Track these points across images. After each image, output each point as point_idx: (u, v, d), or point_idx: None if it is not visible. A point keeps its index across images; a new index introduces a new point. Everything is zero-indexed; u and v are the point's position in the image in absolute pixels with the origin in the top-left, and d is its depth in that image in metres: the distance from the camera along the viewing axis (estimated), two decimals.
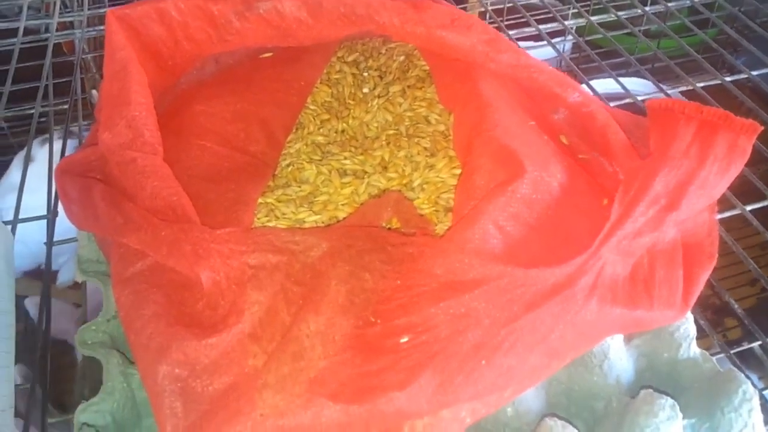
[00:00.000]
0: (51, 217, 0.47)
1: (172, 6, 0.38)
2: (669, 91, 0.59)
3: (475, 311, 0.29)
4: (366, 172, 0.39)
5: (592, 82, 0.61)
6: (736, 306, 0.42)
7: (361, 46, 0.47)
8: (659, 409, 0.33)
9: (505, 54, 0.37)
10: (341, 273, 0.31)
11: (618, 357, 0.37)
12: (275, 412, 0.28)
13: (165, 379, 0.28)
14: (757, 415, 0.34)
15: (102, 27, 0.65)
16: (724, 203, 0.46)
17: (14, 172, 0.66)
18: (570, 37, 0.71)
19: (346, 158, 0.40)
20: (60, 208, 0.44)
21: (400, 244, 0.32)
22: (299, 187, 0.38)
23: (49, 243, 0.45)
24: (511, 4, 0.76)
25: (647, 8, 0.72)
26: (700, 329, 0.39)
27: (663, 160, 0.32)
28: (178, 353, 0.28)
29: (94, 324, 0.38)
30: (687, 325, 0.38)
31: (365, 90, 0.44)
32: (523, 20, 0.71)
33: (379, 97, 0.43)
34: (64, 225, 0.40)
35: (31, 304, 0.65)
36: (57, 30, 0.68)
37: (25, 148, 0.54)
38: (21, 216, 0.47)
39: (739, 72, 0.60)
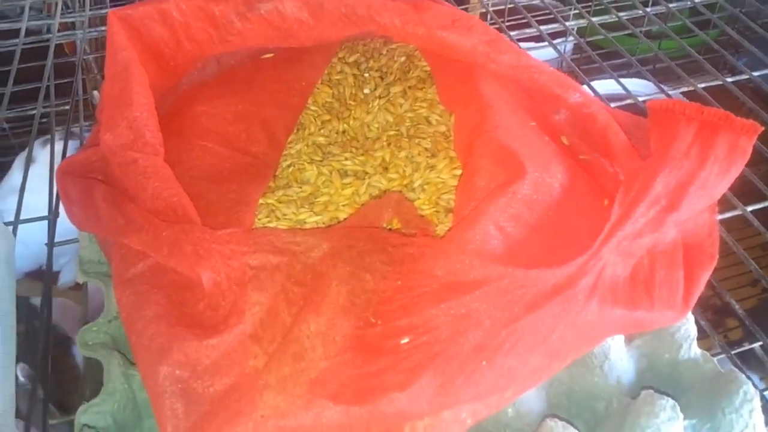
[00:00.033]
0: (52, 218, 0.47)
1: (173, 6, 0.38)
2: (670, 92, 0.59)
3: (476, 312, 0.29)
4: (367, 173, 0.39)
5: (594, 83, 0.61)
6: (737, 306, 0.42)
7: (362, 47, 0.47)
8: (660, 410, 0.33)
9: (505, 55, 0.37)
10: (342, 274, 0.31)
11: (619, 358, 0.37)
12: (276, 413, 0.28)
13: (166, 380, 0.28)
14: (758, 416, 0.34)
15: (103, 28, 0.65)
16: (724, 204, 0.46)
17: (15, 174, 0.66)
18: (571, 38, 0.71)
19: (347, 159, 0.40)
20: (61, 208, 0.44)
21: (401, 245, 0.32)
22: (300, 187, 0.39)
23: (51, 244, 0.46)
24: (512, 5, 0.76)
25: (648, 9, 0.72)
26: (701, 330, 0.39)
27: (664, 160, 0.32)
28: (179, 354, 0.28)
29: (95, 325, 0.38)
30: (688, 326, 0.38)
31: (366, 91, 0.44)
32: (524, 21, 0.71)
33: (380, 97, 0.43)
34: (65, 226, 0.40)
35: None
36: (59, 31, 0.68)
37: (27, 149, 0.54)
38: (22, 217, 0.47)
39: (740, 73, 0.60)
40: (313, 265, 0.31)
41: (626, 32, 0.70)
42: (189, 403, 0.28)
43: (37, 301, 0.65)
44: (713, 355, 0.38)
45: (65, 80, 0.65)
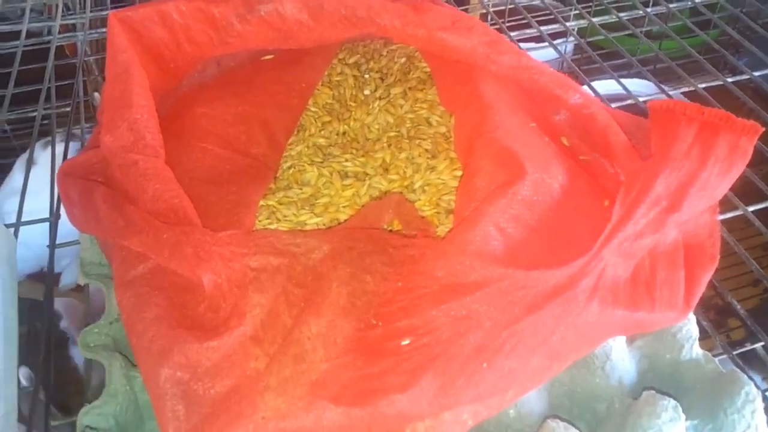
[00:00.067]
0: (53, 219, 0.47)
1: (173, 8, 0.38)
2: (671, 92, 0.59)
3: (477, 313, 0.29)
4: (367, 174, 0.39)
5: (594, 84, 0.61)
6: (738, 307, 0.42)
7: (362, 48, 0.47)
8: (662, 411, 0.33)
9: (505, 56, 0.37)
10: (342, 275, 0.31)
11: (620, 358, 0.37)
12: (277, 415, 0.28)
13: (167, 382, 0.28)
14: (760, 417, 0.34)
15: (104, 29, 0.65)
16: (725, 204, 0.46)
17: (17, 176, 0.66)
18: (571, 38, 0.71)
19: (347, 160, 0.40)
20: (62, 210, 0.44)
21: (402, 246, 0.32)
22: (300, 189, 0.39)
23: (52, 245, 0.46)
24: (512, 6, 0.76)
25: (649, 9, 0.72)
26: (702, 330, 0.39)
27: (664, 161, 0.32)
28: (179, 356, 0.28)
29: (96, 327, 0.38)
30: (689, 327, 0.38)
31: (366, 92, 0.44)
32: (524, 22, 0.71)
33: (380, 99, 0.43)
34: (67, 227, 0.40)
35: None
36: (59, 32, 0.68)
37: (28, 151, 0.54)
38: (24, 219, 0.47)
39: (741, 73, 0.60)
40: (314, 266, 0.31)
41: (627, 32, 0.70)
42: (190, 405, 0.28)
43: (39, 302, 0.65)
44: (715, 356, 0.38)
45: (66, 82, 0.65)
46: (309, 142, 0.42)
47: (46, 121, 0.58)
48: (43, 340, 0.40)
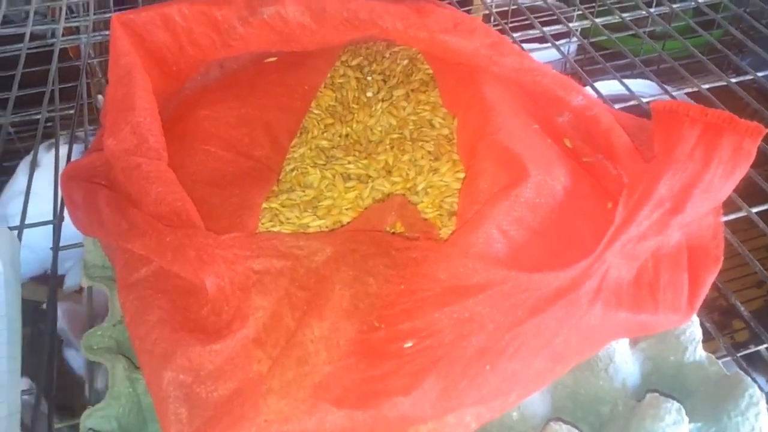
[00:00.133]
0: (57, 222, 0.47)
1: (176, 11, 0.39)
2: (674, 93, 0.59)
3: (479, 316, 0.29)
4: (370, 177, 0.39)
5: (597, 84, 0.60)
6: (742, 308, 0.42)
7: (364, 50, 0.47)
8: (665, 413, 0.32)
9: (508, 57, 0.37)
10: (345, 278, 0.31)
11: (624, 360, 0.37)
12: (280, 418, 0.28)
13: (170, 385, 0.28)
14: (764, 419, 0.33)
15: (107, 32, 0.65)
16: (729, 205, 0.46)
17: (20, 178, 0.66)
18: (574, 39, 0.71)
19: (350, 162, 0.40)
20: (66, 213, 0.44)
21: (404, 249, 0.32)
22: (303, 191, 0.39)
23: (56, 248, 0.46)
24: (515, 7, 0.76)
25: (652, 10, 0.72)
26: (706, 332, 0.39)
27: (667, 162, 0.32)
28: (182, 359, 0.28)
29: (99, 329, 0.38)
30: (693, 329, 0.38)
31: (369, 94, 0.44)
32: (527, 22, 0.71)
33: (382, 101, 0.43)
34: (71, 230, 0.40)
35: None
36: (63, 35, 0.68)
37: (31, 154, 0.55)
38: (27, 222, 0.47)
39: (745, 73, 0.60)
40: (317, 269, 0.31)
41: (630, 33, 0.70)
42: (193, 407, 0.28)
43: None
44: (719, 358, 0.38)
45: (70, 84, 0.65)
46: (312, 145, 0.42)
47: (49, 124, 0.58)
48: (47, 342, 0.40)
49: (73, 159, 0.54)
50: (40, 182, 0.52)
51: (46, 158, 0.59)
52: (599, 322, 0.31)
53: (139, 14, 0.38)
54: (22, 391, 0.37)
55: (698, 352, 0.37)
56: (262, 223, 0.37)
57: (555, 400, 0.37)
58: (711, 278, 0.35)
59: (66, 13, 0.72)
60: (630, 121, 0.40)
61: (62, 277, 0.65)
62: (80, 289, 0.60)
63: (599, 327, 0.31)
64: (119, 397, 0.35)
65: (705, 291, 0.35)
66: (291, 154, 0.41)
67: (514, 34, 0.68)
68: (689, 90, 0.60)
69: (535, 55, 0.40)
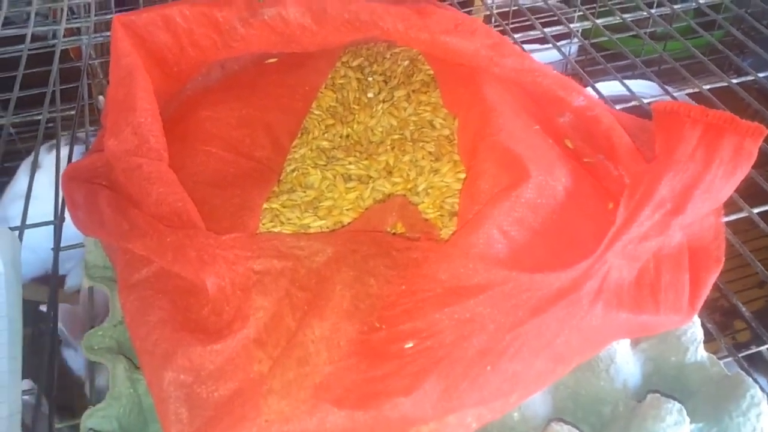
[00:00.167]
0: (58, 222, 0.47)
1: (177, 13, 0.39)
2: (675, 94, 0.59)
3: (480, 316, 0.29)
4: (371, 177, 0.39)
5: (598, 85, 0.60)
6: (743, 309, 0.42)
7: (365, 51, 0.47)
8: (666, 414, 0.32)
9: (509, 58, 0.37)
10: (346, 278, 0.31)
11: (625, 361, 0.37)
12: (280, 418, 0.28)
13: (170, 385, 0.28)
14: (766, 420, 0.33)
15: (109, 33, 0.65)
16: (730, 206, 0.46)
17: (21, 179, 0.66)
18: (575, 39, 0.71)
19: (350, 163, 0.40)
20: (67, 213, 0.44)
21: (405, 249, 0.32)
22: (304, 192, 0.39)
23: (57, 248, 0.46)
24: (516, 8, 0.76)
25: (653, 10, 0.72)
26: (707, 333, 0.39)
27: (668, 163, 0.32)
28: (183, 359, 0.28)
29: (100, 329, 0.38)
30: (694, 329, 0.38)
31: (370, 95, 0.44)
32: (528, 23, 0.71)
33: (383, 101, 0.43)
34: (72, 230, 0.40)
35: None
36: (64, 36, 0.68)
37: (32, 155, 0.55)
38: (28, 223, 0.47)
39: (746, 74, 0.60)
40: (318, 269, 0.31)
41: (631, 34, 0.70)
42: (193, 408, 0.28)
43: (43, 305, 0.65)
44: (720, 358, 0.38)
45: (71, 85, 0.65)
46: (312, 145, 0.42)
47: (51, 125, 0.58)
48: (48, 342, 0.40)
49: (74, 160, 0.54)
50: (40, 184, 0.52)
51: (47, 159, 0.60)
52: (600, 323, 0.31)
53: (140, 15, 0.39)
54: (23, 391, 0.37)
55: (699, 353, 0.37)
56: (263, 224, 0.37)
57: (556, 401, 0.36)
58: (712, 279, 0.35)
59: (67, 15, 0.72)
60: (631, 122, 0.40)
61: (63, 277, 0.65)
62: (78, 291, 0.59)
63: (600, 328, 0.31)
64: (120, 398, 0.35)
65: (706, 291, 0.35)
66: (292, 154, 0.41)
67: (515, 35, 0.68)
68: (690, 91, 0.60)
69: (536, 56, 0.40)
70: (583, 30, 0.71)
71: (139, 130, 0.34)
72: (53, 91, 0.60)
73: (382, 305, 0.30)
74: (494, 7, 0.76)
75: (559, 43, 0.65)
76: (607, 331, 0.32)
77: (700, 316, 0.38)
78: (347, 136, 0.42)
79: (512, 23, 0.76)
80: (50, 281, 0.44)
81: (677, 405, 0.33)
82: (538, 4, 0.79)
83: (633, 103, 0.57)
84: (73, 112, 0.59)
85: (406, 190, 0.38)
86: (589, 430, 0.35)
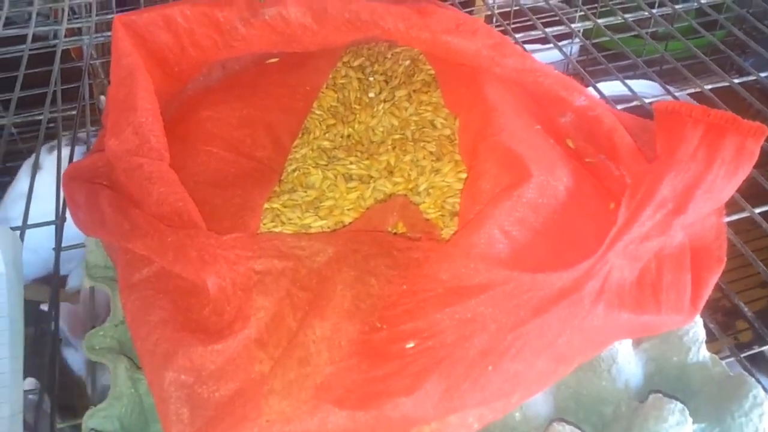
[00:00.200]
0: (59, 222, 0.47)
1: (178, 13, 0.39)
2: (677, 93, 0.59)
3: (482, 316, 0.29)
4: (372, 177, 0.39)
5: (599, 85, 0.60)
6: (745, 309, 0.42)
7: (366, 51, 0.47)
8: (668, 414, 0.32)
9: (510, 58, 0.37)
10: (347, 278, 0.31)
11: (627, 361, 0.37)
12: (281, 418, 0.28)
13: (171, 386, 0.28)
14: None
15: (110, 33, 0.65)
16: (732, 206, 0.45)
17: (23, 180, 0.66)
18: (577, 39, 0.71)
19: (352, 163, 0.40)
20: (68, 213, 0.44)
21: (406, 249, 0.32)
22: (305, 192, 0.39)
23: (58, 248, 0.46)
24: (517, 8, 0.76)
25: (654, 10, 0.72)
26: (709, 333, 0.39)
27: (670, 163, 0.32)
28: (184, 359, 0.28)
29: (102, 329, 0.38)
30: (696, 329, 0.38)
31: (371, 94, 0.44)
32: (529, 23, 0.71)
33: (384, 101, 0.43)
34: (73, 231, 0.40)
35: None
36: (65, 36, 0.69)
37: (33, 156, 0.55)
38: (29, 223, 0.47)
39: (748, 74, 0.60)
40: (318, 269, 0.31)
41: (632, 34, 0.70)
42: (194, 408, 0.28)
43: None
44: (722, 358, 0.38)
45: (72, 85, 0.65)
46: (313, 145, 0.42)
47: (52, 125, 0.58)
48: (49, 342, 0.40)
49: (75, 160, 0.54)
50: (42, 184, 0.52)
51: (47, 160, 0.60)
52: (602, 323, 0.31)
53: (141, 15, 0.38)
54: (25, 391, 0.37)
55: (701, 353, 0.37)
56: (264, 224, 0.37)
57: (558, 401, 0.36)
58: (714, 279, 0.35)
59: (68, 15, 0.72)
60: (632, 122, 0.40)
61: (65, 277, 0.65)
62: (79, 291, 0.60)
63: (602, 328, 0.31)
64: (121, 398, 0.35)
65: (708, 292, 0.35)
66: (293, 154, 0.41)
67: (517, 35, 0.68)
68: (692, 91, 0.60)
69: (537, 56, 0.40)
70: (584, 30, 0.71)
71: (140, 130, 0.34)
72: (54, 91, 0.60)
73: (383, 305, 0.30)
74: (495, 7, 0.75)
75: (560, 43, 0.65)
76: (608, 331, 0.32)
77: (702, 316, 0.38)
78: (348, 136, 0.42)
79: (513, 23, 0.76)
80: (51, 281, 0.44)
81: (679, 405, 0.33)
82: (539, 4, 0.79)
83: (634, 103, 0.56)
84: (74, 112, 0.59)
85: (408, 189, 0.38)
86: (591, 430, 0.35)
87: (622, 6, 0.75)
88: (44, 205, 0.49)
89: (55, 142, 0.58)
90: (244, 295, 0.30)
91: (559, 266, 0.30)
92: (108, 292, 0.40)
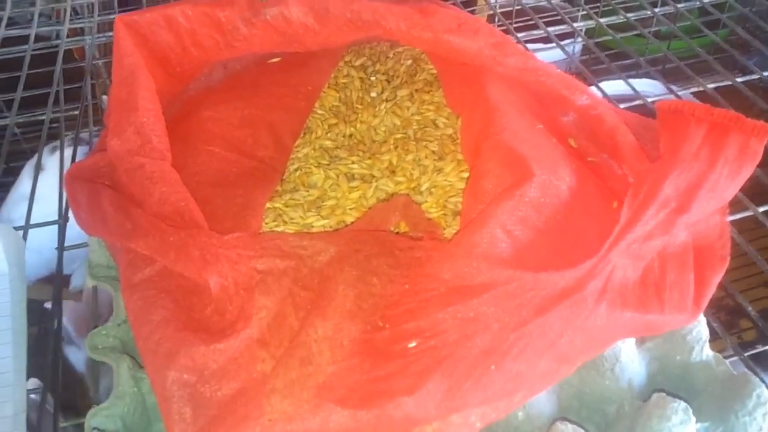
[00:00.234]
0: (62, 222, 0.47)
1: (179, 12, 0.39)
2: (679, 93, 0.59)
3: (484, 316, 0.29)
4: (374, 176, 0.39)
5: (602, 84, 0.60)
6: (749, 308, 0.42)
7: (368, 51, 0.47)
8: (672, 413, 0.32)
9: (512, 57, 0.37)
10: (349, 278, 0.31)
11: (630, 360, 0.37)
12: (283, 418, 0.28)
13: (173, 385, 0.28)
14: None
15: (112, 33, 0.65)
16: (735, 205, 0.45)
17: (25, 182, 0.66)
18: (579, 39, 0.71)
19: (354, 162, 0.40)
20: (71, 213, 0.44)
21: (408, 249, 0.32)
22: (307, 191, 0.39)
23: (61, 248, 0.46)
24: (519, 7, 0.76)
25: (657, 10, 0.72)
26: (713, 331, 0.39)
27: (673, 162, 0.32)
28: (186, 359, 0.28)
29: (104, 329, 0.38)
30: (700, 328, 0.37)
31: (373, 94, 0.44)
32: (532, 23, 0.71)
33: (386, 101, 0.43)
34: (76, 230, 0.40)
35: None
36: (68, 36, 0.69)
37: (35, 156, 0.55)
38: (32, 223, 0.47)
39: (751, 73, 0.60)
40: (320, 269, 0.31)
41: (635, 33, 0.70)
42: (197, 407, 0.28)
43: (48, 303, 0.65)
44: (726, 357, 0.37)
45: (75, 85, 0.65)
46: (315, 145, 0.42)
47: (54, 125, 0.59)
48: (51, 342, 0.40)
49: (77, 160, 0.54)
50: (44, 185, 0.52)
51: (50, 161, 0.60)
52: (605, 322, 0.31)
53: (142, 15, 0.39)
54: (28, 390, 0.37)
55: (705, 352, 0.37)
56: (266, 223, 0.37)
57: (561, 400, 0.36)
58: (717, 278, 0.35)
59: (70, 15, 0.72)
60: (635, 121, 0.40)
61: (68, 276, 0.65)
62: (82, 291, 0.60)
63: (605, 327, 0.31)
64: (124, 397, 0.35)
65: (711, 291, 0.35)
66: (295, 154, 0.41)
67: (519, 35, 0.68)
68: (695, 89, 0.60)
69: (539, 56, 0.40)
70: (586, 29, 0.71)
71: (141, 130, 0.34)
72: (57, 92, 0.60)
73: (385, 305, 0.30)
74: (498, 7, 0.75)
75: (562, 43, 0.65)
76: (611, 330, 0.32)
77: (705, 315, 0.37)
78: (350, 135, 0.42)
79: (516, 22, 0.76)
80: (54, 280, 0.44)
81: (683, 404, 0.33)
82: (541, 4, 0.79)
83: (637, 102, 0.56)
84: (76, 112, 0.59)
85: (410, 189, 0.38)
86: (594, 430, 0.35)
87: (625, 5, 0.75)
88: (47, 206, 0.49)
89: (57, 143, 0.59)
90: (246, 294, 0.30)
91: (561, 265, 0.30)
92: (111, 291, 0.40)
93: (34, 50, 0.65)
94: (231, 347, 0.29)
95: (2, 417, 0.34)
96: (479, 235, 0.31)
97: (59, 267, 0.45)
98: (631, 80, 0.60)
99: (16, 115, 0.58)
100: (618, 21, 0.70)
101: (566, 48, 0.66)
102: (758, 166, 0.33)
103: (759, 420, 0.33)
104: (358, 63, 0.46)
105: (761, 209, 0.46)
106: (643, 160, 0.35)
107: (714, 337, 0.38)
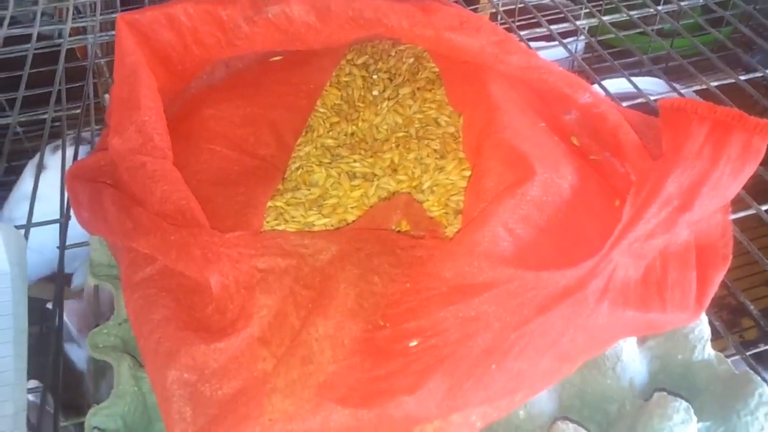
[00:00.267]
0: (63, 220, 0.47)
1: (181, 11, 0.39)
2: (682, 91, 0.59)
3: (485, 315, 0.29)
4: (375, 175, 0.39)
5: (605, 82, 0.60)
6: (751, 307, 0.42)
7: (370, 49, 0.47)
8: (673, 412, 0.32)
9: (514, 55, 0.37)
10: (350, 276, 0.31)
11: (631, 359, 0.37)
12: (284, 417, 0.28)
13: (174, 384, 0.28)
14: None
15: (114, 32, 0.65)
16: (738, 203, 0.45)
17: (27, 181, 0.66)
18: (582, 37, 0.71)
19: (355, 161, 0.40)
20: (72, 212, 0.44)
21: (410, 247, 0.32)
22: (309, 190, 0.38)
23: (62, 247, 0.46)
24: (522, 5, 0.76)
25: (660, 7, 0.71)
26: (715, 330, 0.38)
27: (675, 160, 0.32)
28: (186, 358, 0.28)
29: (105, 328, 0.38)
30: (701, 327, 0.37)
31: (375, 92, 0.44)
32: (534, 21, 0.71)
33: (388, 99, 0.43)
34: (78, 229, 0.40)
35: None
36: (70, 35, 0.69)
37: (38, 155, 0.55)
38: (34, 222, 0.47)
39: (754, 70, 0.59)
40: (322, 267, 0.31)
41: (638, 31, 0.70)
42: (197, 406, 0.28)
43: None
44: (728, 356, 0.37)
45: (77, 84, 0.65)
46: (317, 143, 0.42)
47: (56, 123, 0.59)
48: (53, 341, 0.40)
49: (79, 159, 0.54)
50: (46, 185, 0.52)
51: (51, 160, 0.60)
52: (606, 321, 0.31)
53: (144, 14, 0.38)
54: (28, 389, 0.37)
55: (707, 351, 0.37)
56: (267, 222, 0.37)
57: (562, 399, 0.36)
58: (720, 276, 0.35)
59: (73, 14, 0.72)
60: (637, 119, 0.40)
61: (70, 275, 0.65)
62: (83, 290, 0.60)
63: (606, 326, 0.31)
64: (124, 396, 0.35)
65: (713, 289, 0.34)
66: (296, 152, 0.41)
67: (521, 33, 0.67)
68: (698, 87, 0.59)
69: (542, 54, 0.40)
70: (589, 27, 0.71)
71: (143, 129, 0.34)
72: (59, 90, 0.60)
73: (386, 303, 0.30)
74: (500, 5, 0.75)
75: (565, 41, 0.65)
76: (613, 329, 0.32)
77: (707, 314, 0.37)
78: (352, 133, 0.42)
79: (518, 20, 0.76)
80: (56, 279, 0.44)
81: (684, 403, 0.33)
82: (544, 2, 0.78)
83: (640, 100, 0.56)
84: (78, 111, 0.59)
85: (411, 187, 0.38)
86: (596, 429, 0.35)
87: (628, 3, 0.74)
88: (48, 205, 0.49)
89: (59, 142, 0.59)
90: (247, 293, 0.30)
91: (563, 264, 0.30)
92: (112, 290, 0.40)
93: (36, 49, 0.65)
94: (232, 346, 0.29)
95: (2, 416, 0.34)
96: (481, 233, 0.31)
97: (61, 266, 0.45)
98: (633, 78, 0.60)
99: (18, 114, 0.58)
100: (621, 19, 0.70)
101: (569, 46, 0.65)
102: (761, 164, 0.33)
103: (761, 419, 0.33)
104: (360, 61, 0.46)
105: (764, 207, 0.46)
106: (646, 159, 0.35)
107: (716, 336, 0.38)
